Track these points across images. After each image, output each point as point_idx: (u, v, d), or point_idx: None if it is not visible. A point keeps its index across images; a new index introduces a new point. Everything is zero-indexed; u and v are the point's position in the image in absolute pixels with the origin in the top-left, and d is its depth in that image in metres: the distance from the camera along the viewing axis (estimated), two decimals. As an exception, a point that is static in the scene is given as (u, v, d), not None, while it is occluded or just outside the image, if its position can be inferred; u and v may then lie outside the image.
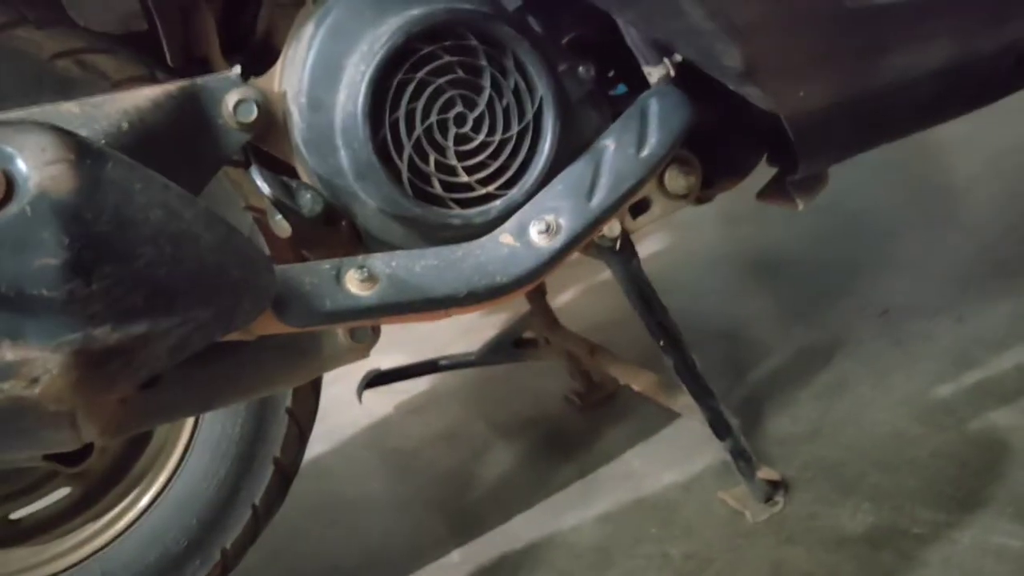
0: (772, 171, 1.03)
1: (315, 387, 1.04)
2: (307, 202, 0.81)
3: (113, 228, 0.58)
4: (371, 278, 0.75)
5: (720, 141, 1.01)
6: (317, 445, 1.53)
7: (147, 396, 0.71)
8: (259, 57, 1.03)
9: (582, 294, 2.00)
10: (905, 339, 1.33)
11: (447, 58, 0.84)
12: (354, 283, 0.74)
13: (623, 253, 0.98)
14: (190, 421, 0.99)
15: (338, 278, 0.74)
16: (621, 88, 1.03)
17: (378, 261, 0.76)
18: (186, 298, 0.62)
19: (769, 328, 1.56)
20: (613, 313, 1.77)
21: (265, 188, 0.76)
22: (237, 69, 0.83)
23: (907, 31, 0.85)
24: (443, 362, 1.61)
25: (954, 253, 1.58)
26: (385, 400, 1.72)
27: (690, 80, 0.89)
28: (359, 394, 1.58)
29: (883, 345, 1.34)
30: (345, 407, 1.66)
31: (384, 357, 1.60)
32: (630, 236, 0.98)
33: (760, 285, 1.79)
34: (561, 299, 2.01)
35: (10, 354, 0.53)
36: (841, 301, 1.54)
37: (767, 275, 1.82)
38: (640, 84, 0.93)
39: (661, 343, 1.02)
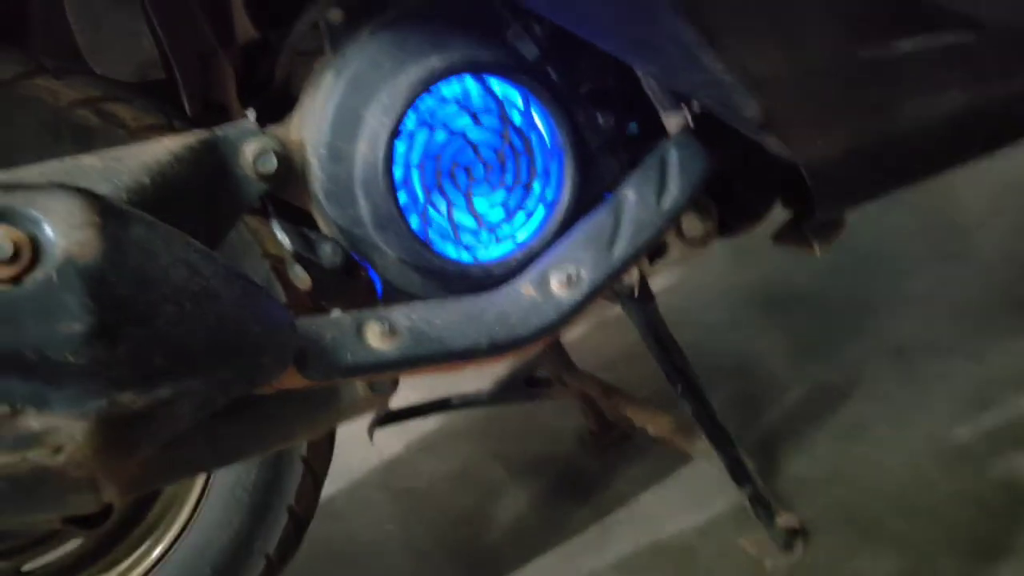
0: (784, 209, 1.03)
1: (330, 435, 1.03)
2: (327, 254, 0.81)
3: (136, 290, 0.57)
4: (392, 331, 0.75)
5: (736, 185, 1.01)
6: (328, 485, 1.50)
7: (166, 453, 0.70)
8: (276, 106, 1.04)
9: (595, 329, 1.99)
10: (921, 378, 1.33)
11: (465, 108, 0.84)
12: (375, 337, 0.74)
13: (641, 299, 0.97)
14: (206, 472, 0.98)
15: (359, 332, 0.74)
16: (632, 127, 1.03)
17: (399, 314, 0.76)
18: (209, 358, 0.61)
19: (782, 365, 1.55)
20: (626, 349, 1.76)
21: (286, 241, 0.76)
22: (252, 115, 0.83)
23: (921, 80, 0.85)
24: (455, 400, 1.59)
25: (966, 290, 1.57)
26: (396, 438, 1.71)
27: (707, 127, 0.89)
28: (371, 432, 1.57)
29: (899, 384, 1.33)
30: (356, 445, 1.64)
31: (395, 395, 1.59)
32: (647, 280, 0.98)
33: (772, 321, 1.78)
34: (573, 335, 2.00)
35: (35, 423, 0.53)
36: (855, 338, 1.54)
37: (778, 310, 1.81)
38: (655, 130, 0.94)
39: (679, 388, 1.01)
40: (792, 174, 0.91)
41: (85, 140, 0.90)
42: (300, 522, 1.02)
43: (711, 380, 1.11)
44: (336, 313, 0.77)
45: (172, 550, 0.99)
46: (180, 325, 0.60)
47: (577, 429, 1.50)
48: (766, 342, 1.67)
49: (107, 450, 0.55)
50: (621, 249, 0.81)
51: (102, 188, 0.73)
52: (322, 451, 1.02)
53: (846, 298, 1.75)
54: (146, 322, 0.58)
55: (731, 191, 1.00)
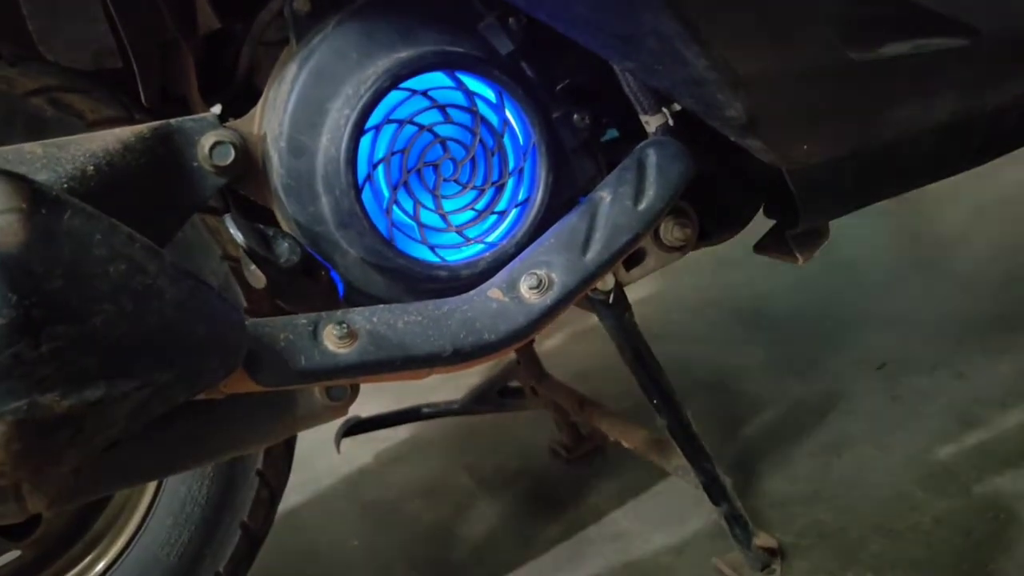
0: (766, 220, 1.00)
1: (288, 446, 0.98)
2: (284, 251, 0.76)
3: (67, 284, 0.53)
4: (350, 334, 0.70)
5: (717, 192, 0.97)
6: (292, 496, 1.47)
7: (101, 461, 0.66)
8: (240, 98, 0.99)
9: (569, 339, 1.95)
10: (904, 395, 1.30)
11: (435, 103, 0.80)
12: (332, 339, 0.70)
13: (616, 306, 0.93)
14: (152, 482, 0.92)
15: (315, 334, 0.69)
16: (611, 133, 1.00)
17: (358, 316, 0.72)
18: (147, 359, 0.57)
19: (761, 380, 1.51)
20: (601, 359, 1.72)
21: (239, 236, 0.72)
22: (216, 110, 0.79)
23: (912, 85, 0.83)
24: (425, 410, 1.55)
25: (948, 305, 1.55)
26: (364, 449, 1.66)
27: (688, 129, 0.86)
28: (337, 443, 1.52)
29: (881, 401, 1.30)
30: (322, 455, 1.60)
31: (364, 404, 1.54)
32: (623, 288, 0.94)
33: (750, 334, 1.75)
34: (548, 344, 1.96)
35: (-56, 425, 0.48)
36: (835, 352, 1.51)
37: (758, 323, 1.78)
38: (634, 131, 0.90)
39: (654, 402, 0.97)
40: (775, 180, 0.88)
41: (40, 131, 0.85)
42: (254, 538, 0.97)
43: (688, 393, 1.07)
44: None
45: (117, 565, 0.93)
46: (116, 324, 0.55)
47: (550, 441, 1.46)
48: (744, 355, 1.64)
49: (27, 456, 0.51)
50: (595, 253, 0.77)
51: (41, 176, 0.68)
52: (279, 463, 0.97)
53: (825, 311, 1.72)
54: (77, 319, 0.53)
55: (712, 197, 0.97)
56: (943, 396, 1.26)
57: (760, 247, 1.03)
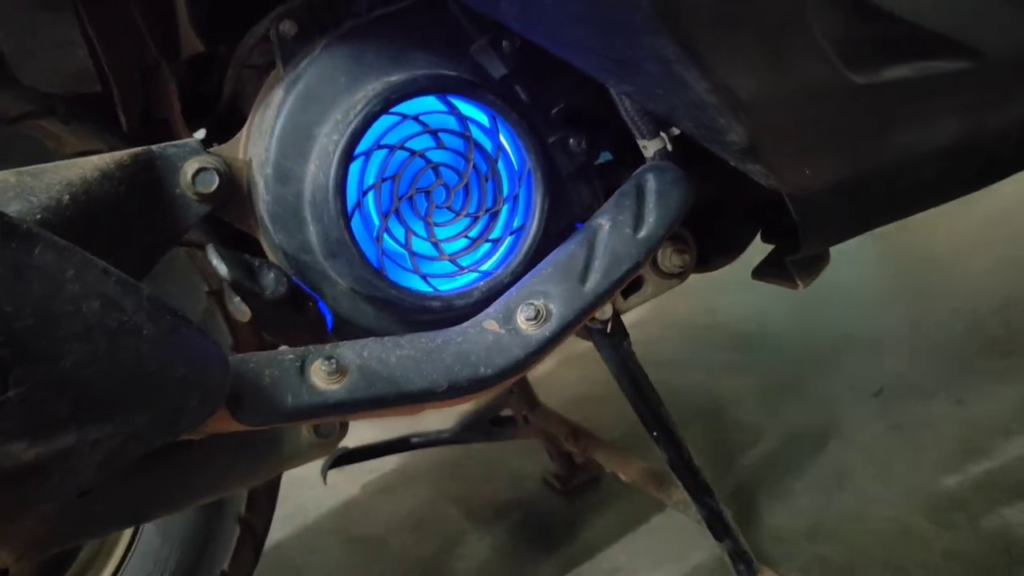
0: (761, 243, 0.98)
1: (271, 488, 0.93)
2: (270, 282, 0.72)
3: (37, 323, 0.49)
4: (340, 370, 0.67)
5: (715, 216, 0.95)
6: (277, 530, 1.42)
7: (73, 510, 0.62)
8: (225, 123, 0.97)
9: (561, 365, 1.92)
10: (904, 423, 1.27)
11: (427, 128, 0.77)
12: (320, 376, 0.66)
13: (614, 336, 0.90)
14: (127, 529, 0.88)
15: (302, 370, 0.66)
16: (605, 156, 0.97)
17: (348, 351, 0.68)
18: (122, 402, 0.53)
19: (757, 407, 1.49)
20: (595, 386, 1.69)
21: (222, 268, 0.68)
22: (199, 135, 0.76)
23: (917, 108, 0.80)
24: (415, 439, 1.51)
25: (945, 329, 1.53)
26: (352, 480, 1.62)
27: (686, 152, 0.83)
28: (324, 474, 1.48)
29: (881, 429, 1.28)
30: (308, 487, 1.55)
31: (351, 433, 1.50)
32: (620, 316, 0.91)
33: (743, 358, 1.72)
34: (539, 370, 1.93)
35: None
36: (831, 378, 1.48)
37: (750, 347, 1.76)
38: (630, 156, 0.88)
39: (654, 435, 0.94)
40: (774, 205, 0.86)
41: (15, 159, 0.81)
42: (237, 584, 0.92)
43: (681, 422, 1.04)
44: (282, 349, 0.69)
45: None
46: (90, 365, 0.51)
47: (543, 472, 1.42)
48: (737, 382, 1.61)
49: (-9, 510, 0.47)
50: (594, 283, 0.74)
51: (12, 206, 0.65)
52: (262, 508, 0.93)
53: (818, 335, 1.70)
54: (48, 361, 0.49)
55: (710, 222, 0.94)
56: (944, 424, 1.24)
57: (759, 273, 1.01)
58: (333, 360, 0.67)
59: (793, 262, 0.93)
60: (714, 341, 1.85)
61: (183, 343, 0.57)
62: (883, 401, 1.35)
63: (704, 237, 0.94)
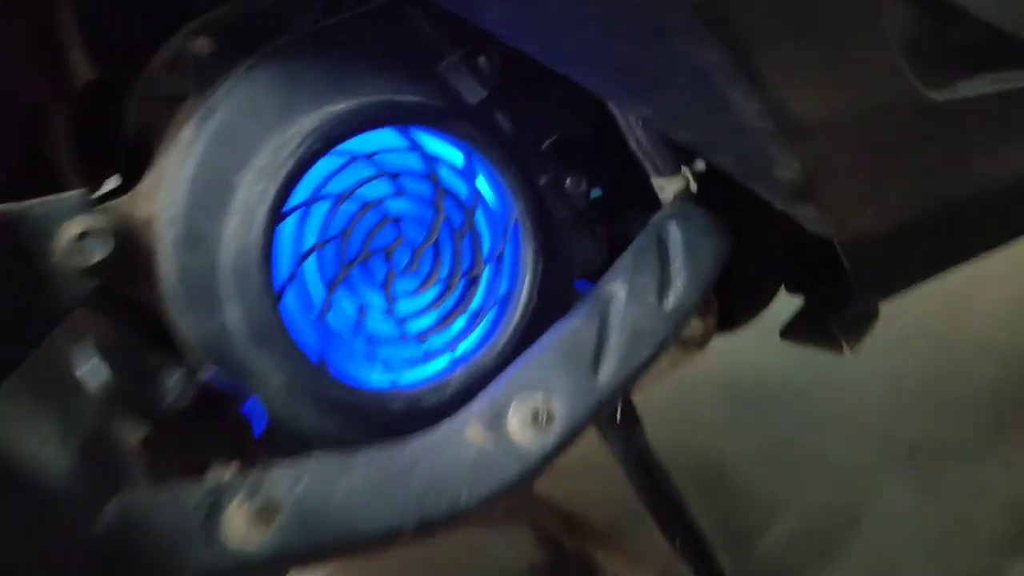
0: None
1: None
2: (173, 385, 0.54)
3: None
4: (267, 509, 0.48)
5: (738, 268, 0.78)
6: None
7: None
8: (132, 168, 0.78)
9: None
10: (946, 491, 1.11)
11: (382, 170, 0.59)
12: (239, 521, 0.47)
13: (625, 425, 0.72)
14: None
15: (212, 516, 0.47)
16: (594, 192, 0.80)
17: (279, 480, 0.50)
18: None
19: (769, 475, 1.31)
20: (584, 455, 1.50)
21: (100, 375, 0.49)
22: (112, 184, 0.59)
23: (999, 130, 0.65)
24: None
25: (972, 380, 1.37)
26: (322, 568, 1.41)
27: (712, 194, 0.67)
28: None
29: (918, 499, 1.11)
30: None
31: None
32: (632, 400, 0.73)
33: (748, 415, 1.55)
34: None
35: None
36: (854, 435, 1.31)
37: (756, 402, 1.58)
38: (637, 197, 0.71)
39: (677, 543, 0.76)
40: (799, 249, 0.71)
41: None
42: None
43: (685, 494, 0.86)
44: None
45: None
46: None
47: (532, 561, 1.23)
48: (744, 444, 1.43)
49: None
50: (611, 370, 0.56)
51: None
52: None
53: (830, 385, 1.53)
54: None
55: (728, 272, 0.78)
56: (994, 492, 1.08)
57: (790, 334, 0.85)
58: (259, 496, 0.48)
59: (838, 320, 0.77)
60: (712, 395, 1.67)
61: (20, 517, 0.38)
62: (917, 464, 1.19)
63: (725, 293, 0.77)
